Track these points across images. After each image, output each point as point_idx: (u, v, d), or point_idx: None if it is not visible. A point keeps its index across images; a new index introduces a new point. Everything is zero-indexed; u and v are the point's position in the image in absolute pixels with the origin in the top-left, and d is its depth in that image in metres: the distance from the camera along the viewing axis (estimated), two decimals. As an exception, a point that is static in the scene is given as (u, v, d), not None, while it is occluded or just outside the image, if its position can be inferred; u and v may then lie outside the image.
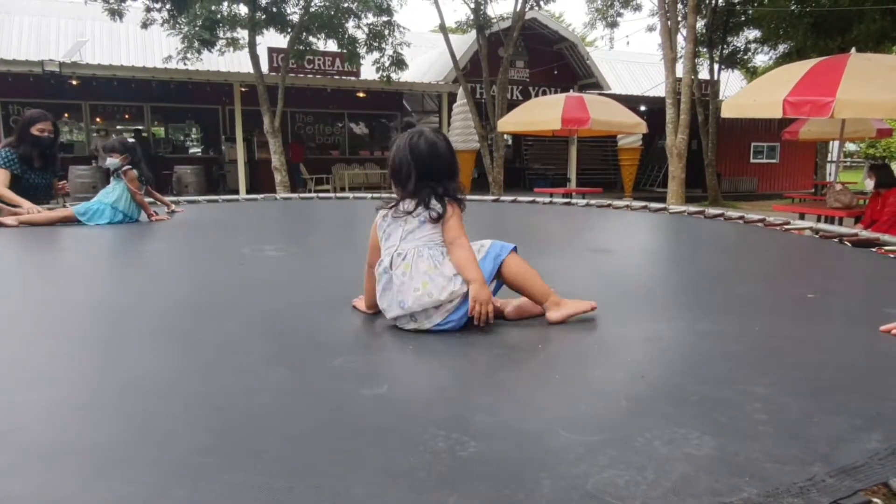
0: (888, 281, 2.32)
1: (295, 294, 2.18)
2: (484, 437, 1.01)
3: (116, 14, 10.87)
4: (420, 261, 1.62)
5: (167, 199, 4.64)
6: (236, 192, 13.62)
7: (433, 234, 1.66)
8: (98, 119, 15.41)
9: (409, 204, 1.66)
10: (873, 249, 2.84)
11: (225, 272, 2.55)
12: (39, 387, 1.27)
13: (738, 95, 7.46)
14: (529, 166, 18.83)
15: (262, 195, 6.20)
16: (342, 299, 2.04)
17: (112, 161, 3.83)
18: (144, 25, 11.33)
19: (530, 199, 5.55)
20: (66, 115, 14.56)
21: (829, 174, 18.48)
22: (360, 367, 1.40)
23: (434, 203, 1.65)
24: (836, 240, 3.16)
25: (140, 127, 15.48)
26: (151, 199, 4.22)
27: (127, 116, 15.63)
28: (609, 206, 5.14)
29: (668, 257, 3.21)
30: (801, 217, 7.29)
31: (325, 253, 3.18)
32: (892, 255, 2.68)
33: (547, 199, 5.97)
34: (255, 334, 1.68)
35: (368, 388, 1.24)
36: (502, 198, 5.84)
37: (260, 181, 14.63)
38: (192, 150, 16.48)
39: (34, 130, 4.05)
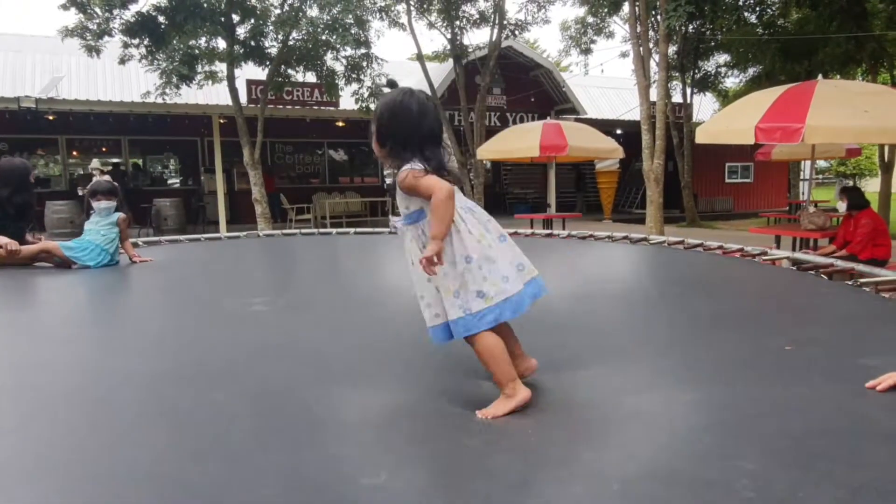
0: (864, 322, 2.36)
1: (286, 361, 2.06)
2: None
3: (94, 50, 10.82)
4: None
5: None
6: (216, 223, 13.55)
7: None
8: (75, 153, 15.30)
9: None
10: (849, 283, 2.92)
11: (210, 333, 2.46)
12: (20, 482, 1.24)
13: (712, 122, 7.64)
14: (509, 191, 19.06)
15: (244, 233, 6.17)
16: (336, 366, 1.99)
17: (108, 204, 3.98)
18: (122, 61, 11.27)
19: (512, 230, 5.55)
20: (39, 150, 14.45)
21: (802, 193, 18.89)
22: (357, 452, 1.38)
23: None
24: (812, 272, 3.24)
25: (118, 160, 15.38)
26: None
27: (104, 150, 15.53)
28: (590, 236, 5.21)
29: (647, 303, 3.01)
30: (777, 241, 7.45)
31: (316, 307, 2.96)
32: (866, 289, 2.76)
33: (528, 231, 6.00)
34: (245, 412, 1.60)
35: (367, 478, 1.23)
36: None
37: (240, 213, 14.58)
38: (170, 182, 16.40)
39: (32, 178, 4.20)
